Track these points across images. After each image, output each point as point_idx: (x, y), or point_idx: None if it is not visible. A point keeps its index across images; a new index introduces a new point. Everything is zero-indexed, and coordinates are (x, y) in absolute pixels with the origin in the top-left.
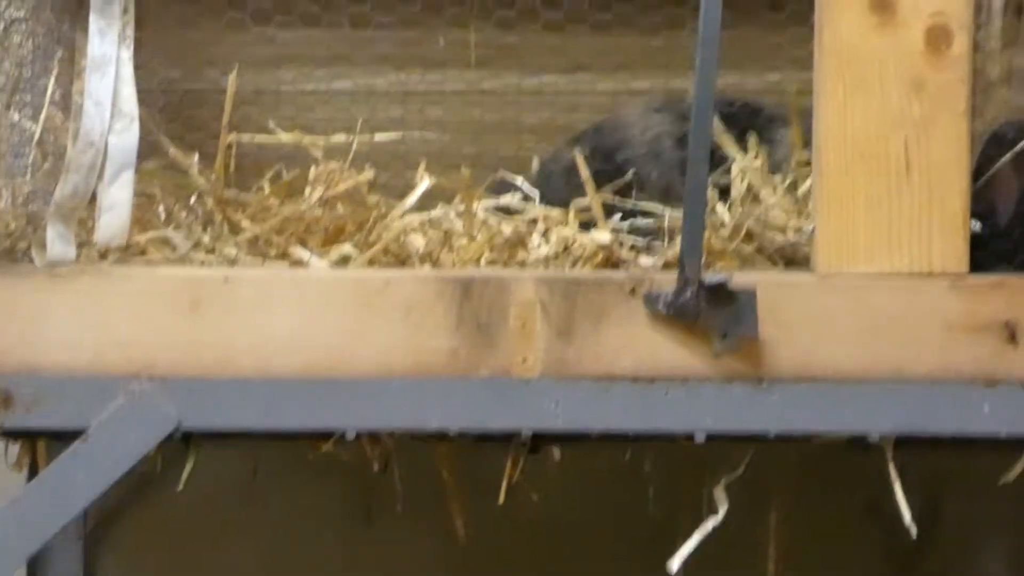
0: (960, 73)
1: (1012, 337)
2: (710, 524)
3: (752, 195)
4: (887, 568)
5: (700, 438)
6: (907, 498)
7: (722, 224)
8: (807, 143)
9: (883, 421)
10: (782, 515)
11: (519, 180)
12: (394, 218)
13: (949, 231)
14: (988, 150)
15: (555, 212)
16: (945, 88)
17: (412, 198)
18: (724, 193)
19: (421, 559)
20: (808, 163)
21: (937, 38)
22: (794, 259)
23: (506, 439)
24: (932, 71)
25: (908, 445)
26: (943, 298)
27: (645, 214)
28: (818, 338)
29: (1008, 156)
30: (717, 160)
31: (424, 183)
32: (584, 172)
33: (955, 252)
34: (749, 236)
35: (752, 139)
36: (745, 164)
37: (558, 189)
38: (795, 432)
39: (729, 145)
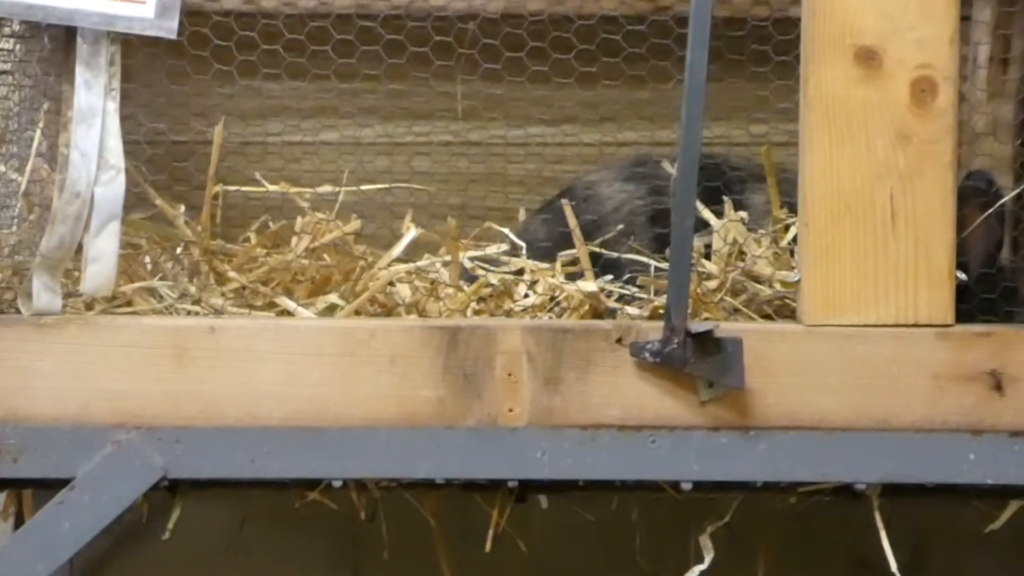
0: (945, 125)
1: (998, 386)
2: (696, 571)
3: (736, 250)
4: None
5: (687, 487)
6: (894, 548)
7: (708, 276)
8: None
9: (869, 470)
10: (770, 565)
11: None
12: (380, 268)
13: (935, 282)
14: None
15: (542, 265)
16: (930, 140)
17: (398, 248)
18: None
19: None
20: (784, 219)
21: (922, 90)
22: (780, 313)
23: (493, 487)
24: (917, 123)
25: (895, 494)
26: (929, 348)
27: (632, 264)
28: (805, 388)
29: (988, 211)
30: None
31: (411, 233)
32: (572, 221)
33: (941, 303)
34: (735, 290)
35: (728, 203)
36: (729, 218)
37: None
38: (782, 480)
39: (703, 210)
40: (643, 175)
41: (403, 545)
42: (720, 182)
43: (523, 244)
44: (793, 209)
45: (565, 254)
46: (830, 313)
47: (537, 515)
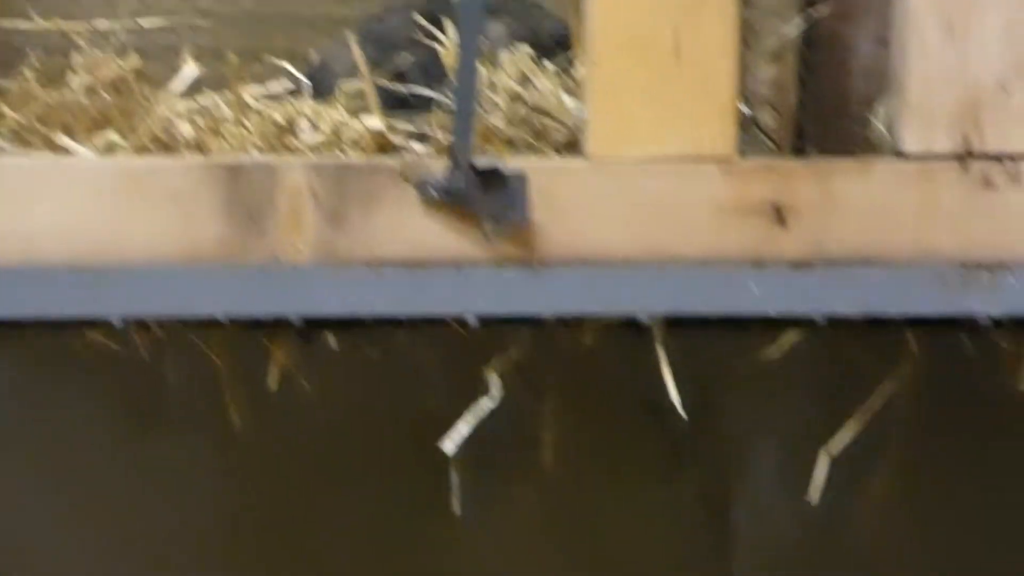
0: None
1: (780, 219)
2: (484, 406)
3: (524, 81)
4: (662, 457)
5: (472, 322)
6: (682, 388)
7: (495, 106)
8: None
9: (654, 302)
10: (558, 404)
11: (291, 68)
12: (161, 106)
13: (719, 115)
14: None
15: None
16: None
17: (179, 84)
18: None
19: (196, 449)
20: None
21: None
22: (569, 148)
23: (278, 326)
24: None
25: (679, 328)
26: (713, 181)
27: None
28: (590, 222)
29: None
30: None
31: (190, 69)
32: (357, 54)
33: (725, 137)
34: (522, 122)
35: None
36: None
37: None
38: (567, 314)
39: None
40: (433, 11)
41: (189, 387)
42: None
43: (308, 81)
44: (535, 42)
45: (348, 88)
46: (615, 147)
47: (325, 354)
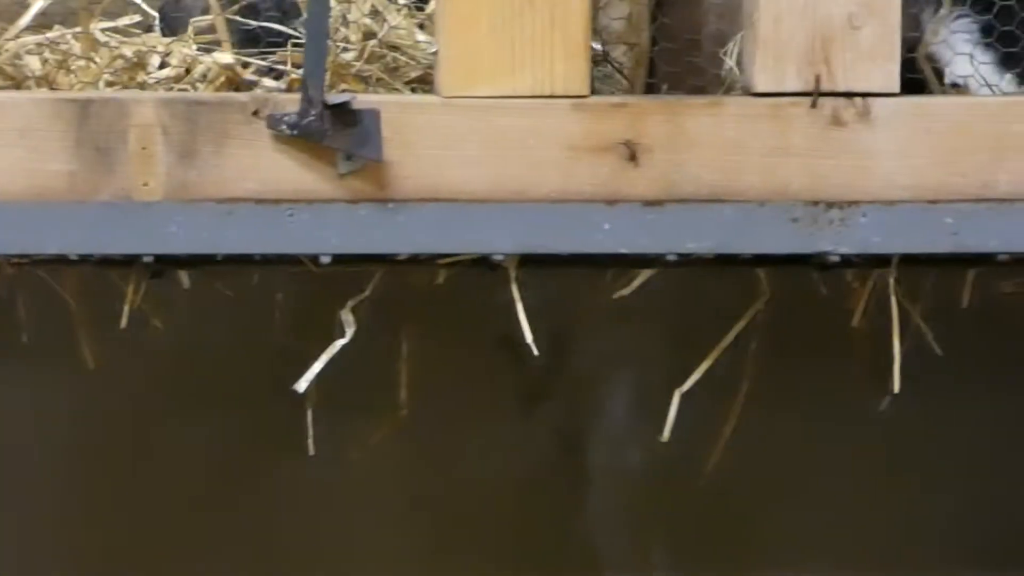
0: None
1: (632, 156)
2: (337, 345)
3: (377, 17)
4: (517, 394)
5: (326, 260)
6: (536, 327)
7: (346, 47)
8: None
9: (507, 240)
10: (414, 342)
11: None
12: (8, 40)
13: (571, 54)
14: None
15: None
16: None
17: (26, 18)
18: None
19: (50, 388)
20: None
21: None
22: (421, 83)
23: (129, 264)
24: None
25: (533, 266)
26: (565, 119)
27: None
28: (443, 160)
29: None
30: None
31: (39, 3)
32: None
33: (577, 74)
34: (374, 61)
35: None
36: None
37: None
38: (421, 252)
39: None
40: None
41: (41, 326)
42: None
43: (156, 15)
44: None
45: (198, 21)
46: (468, 85)
47: (178, 293)
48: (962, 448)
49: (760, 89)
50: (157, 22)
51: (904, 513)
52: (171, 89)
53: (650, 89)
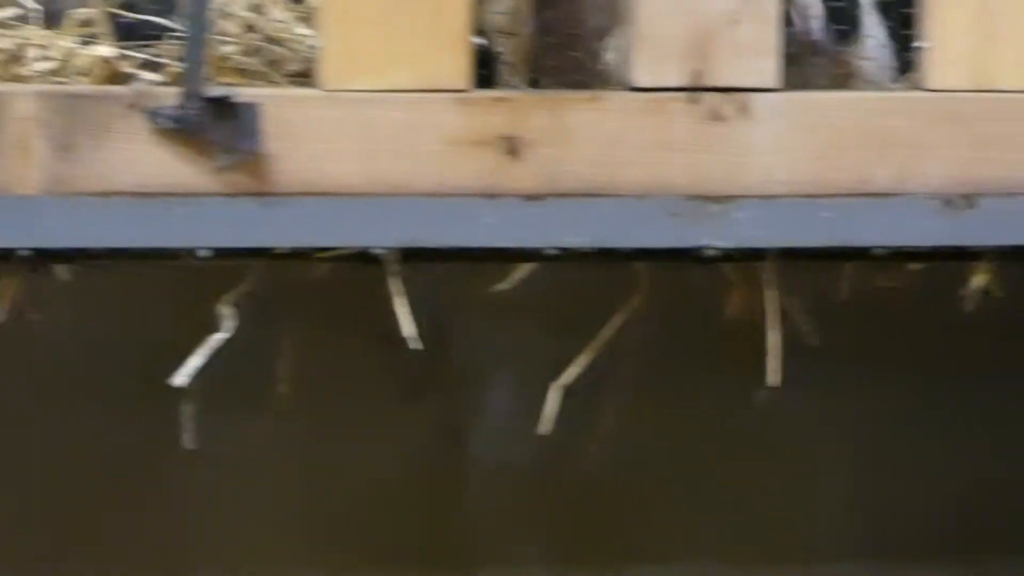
0: None
1: (513, 151)
2: (215, 338)
3: (257, 10)
4: (398, 388)
5: (205, 254)
6: (417, 320)
7: (227, 34)
8: None
9: (387, 235)
10: (295, 337)
11: None
12: None
13: (452, 47)
14: None
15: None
16: None
17: None
18: None
19: None
20: None
21: None
22: (302, 76)
23: (6, 258)
24: None
25: (414, 260)
26: (446, 113)
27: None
28: (324, 153)
29: None
30: None
31: None
32: None
33: (458, 68)
34: (255, 51)
35: None
36: None
37: None
38: (299, 245)
39: None
40: None
41: None
42: None
43: (40, 7)
44: None
45: (79, 15)
46: (349, 78)
47: (57, 287)
48: (840, 440)
49: (641, 84)
50: (36, 14)
51: (782, 505)
52: (50, 83)
53: (532, 84)
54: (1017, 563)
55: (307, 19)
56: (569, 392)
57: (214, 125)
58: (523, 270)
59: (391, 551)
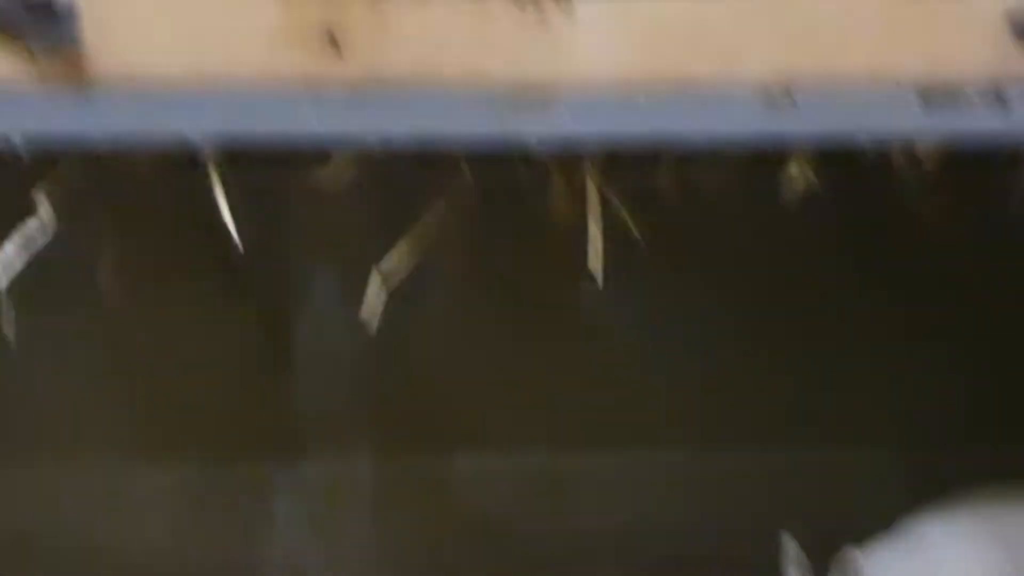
0: None
1: (334, 43)
2: (31, 228)
3: None
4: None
5: (17, 144)
6: (238, 214)
7: None
8: None
9: (206, 128)
10: (117, 235)
11: None
12: None
13: None
14: None
15: None
16: None
17: None
18: None
19: None
20: None
21: None
22: None
23: None
24: None
25: (236, 155)
26: (266, 5)
27: None
28: (141, 46)
29: None
30: None
31: None
32: None
33: None
34: None
35: None
36: None
37: None
38: (119, 139)
39: None
40: None
41: None
42: None
43: None
44: None
45: None
46: None
47: None
48: (664, 335)
49: None
50: None
51: (606, 395)
52: None
53: None
54: (820, 447)
55: None
56: (396, 290)
57: (30, 16)
58: (344, 163)
59: (218, 443)
